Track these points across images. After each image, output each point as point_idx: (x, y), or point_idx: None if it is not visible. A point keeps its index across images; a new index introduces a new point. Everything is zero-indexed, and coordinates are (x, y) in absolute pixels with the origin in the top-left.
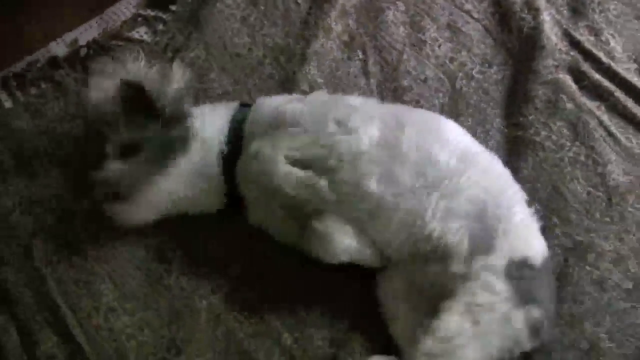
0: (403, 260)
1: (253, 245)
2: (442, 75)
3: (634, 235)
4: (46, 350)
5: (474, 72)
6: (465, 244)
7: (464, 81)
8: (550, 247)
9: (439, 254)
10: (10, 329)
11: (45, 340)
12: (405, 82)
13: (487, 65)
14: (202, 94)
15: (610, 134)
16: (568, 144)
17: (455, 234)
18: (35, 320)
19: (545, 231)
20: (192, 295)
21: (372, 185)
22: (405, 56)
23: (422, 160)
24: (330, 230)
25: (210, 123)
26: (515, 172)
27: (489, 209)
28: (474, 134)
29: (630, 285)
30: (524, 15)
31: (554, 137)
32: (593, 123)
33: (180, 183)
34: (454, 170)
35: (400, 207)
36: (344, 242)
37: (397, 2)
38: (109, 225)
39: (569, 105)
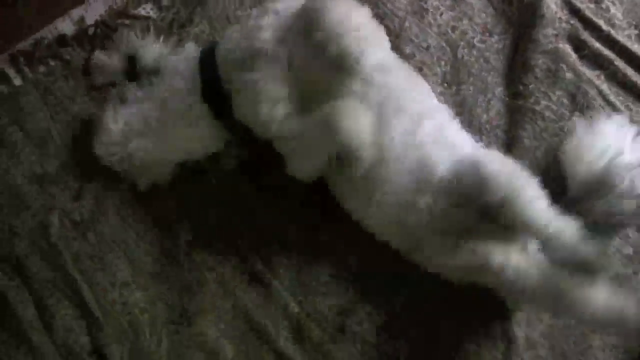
0: None
1: (258, 217)
2: (444, 44)
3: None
4: (64, 323)
5: (475, 40)
6: None
7: (465, 50)
8: None
9: None
10: (28, 303)
11: (62, 313)
12: (407, 50)
13: (488, 34)
14: None
15: (609, 102)
16: (567, 113)
17: None
18: (52, 293)
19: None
20: (201, 267)
21: None
22: (407, 24)
23: None
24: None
25: (181, 60)
26: (516, 141)
27: None
28: (476, 103)
29: (630, 251)
30: None
31: (553, 106)
32: (592, 92)
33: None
34: None
35: None
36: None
37: None
38: (121, 203)
39: (569, 75)
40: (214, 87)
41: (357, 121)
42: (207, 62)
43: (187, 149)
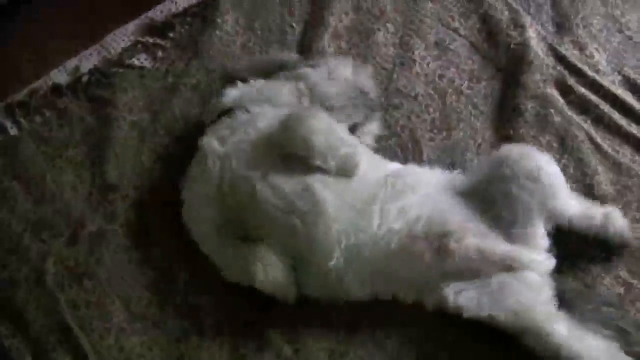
0: None
1: None
2: (431, 92)
3: None
4: None
5: (463, 87)
6: None
7: (453, 96)
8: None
9: None
10: (25, 351)
11: None
12: (396, 100)
13: (475, 80)
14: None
15: (597, 146)
16: (557, 156)
17: None
18: (48, 341)
19: None
20: (198, 313)
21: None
22: (395, 75)
23: None
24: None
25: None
26: None
27: None
28: (467, 147)
29: (621, 291)
30: (510, 32)
31: (543, 150)
32: (581, 136)
33: None
34: None
35: None
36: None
37: (387, 24)
38: (116, 247)
39: (557, 119)
40: None
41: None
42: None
43: None
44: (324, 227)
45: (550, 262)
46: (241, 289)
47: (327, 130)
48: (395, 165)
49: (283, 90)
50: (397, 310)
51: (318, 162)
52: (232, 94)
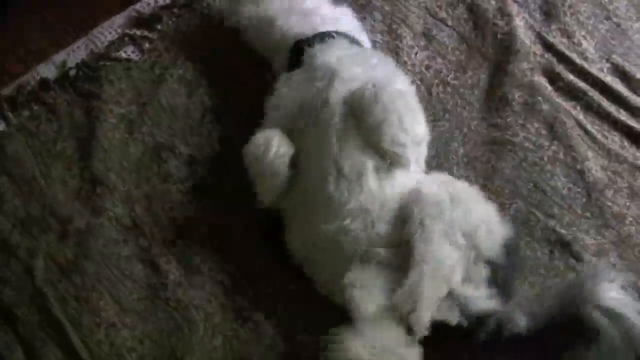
0: None
1: (245, 254)
2: (418, 82)
3: (613, 229)
4: None
5: (449, 78)
6: None
7: (440, 87)
8: (534, 241)
9: None
10: (15, 347)
11: (50, 356)
12: None
13: (462, 70)
14: (192, 107)
15: (586, 131)
16: (547, 143)
17: None
18: (39, 337)
19: (529, 227)
20: (188, 306)
21: None
22: None
23: None
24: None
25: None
26: (496, 172)
27: None
28: (452, 137)
29: None
30: (497, 21)
31: (532, 137)
32: (570, 122)
33: None
34: None
35: None
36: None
37: (374, 12)
38: (105, 242)
39: (546, 107)
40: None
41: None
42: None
43: None
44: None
45: None
46: (232, 281)
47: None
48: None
49: None
50: None
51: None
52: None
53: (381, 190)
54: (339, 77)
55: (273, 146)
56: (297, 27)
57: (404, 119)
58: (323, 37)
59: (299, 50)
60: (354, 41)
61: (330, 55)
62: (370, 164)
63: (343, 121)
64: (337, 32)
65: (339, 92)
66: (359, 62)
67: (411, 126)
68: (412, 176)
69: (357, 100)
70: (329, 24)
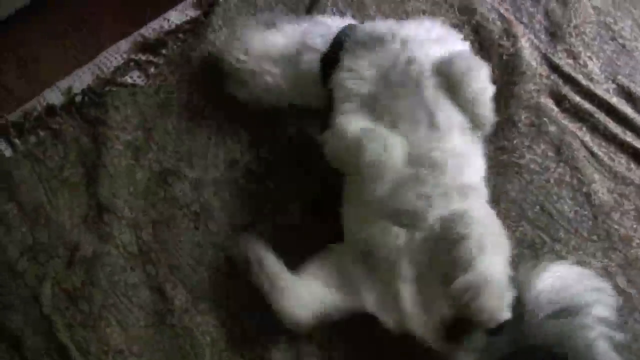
0: None
1: (248, 284)
2: None
3: (620, 251)
4: None
5: None
6: None
7: None
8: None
9: None
10: None
11: None
12: None
13: None
14: (197, 131)
15: (593, 154)
16: (553, 165)
17: None
18: None
19: (535, 249)
20: (195, 332)
21: None
22: None
23: None
24: None
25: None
26: (503, 194)
27: None
28: None
29: (620, 301)
30: (502, 42)
31: (538, 159)
32: (576, 144)
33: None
34: None
35: None
36: None
37: None
38: (112, 268)
39: (552, 128)
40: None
41: None
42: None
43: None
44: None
45: None
46: (240, 308)
47: None
48: None
49: None
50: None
51: None
52: None
53: (463, 147)
54: (410, 38)
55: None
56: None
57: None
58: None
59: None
60: None
61: (378, 26)
62: (458, 120)
63: (434, 77)
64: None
65: (419, 51)
66: (411, 27)
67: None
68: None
69: (454, 69)
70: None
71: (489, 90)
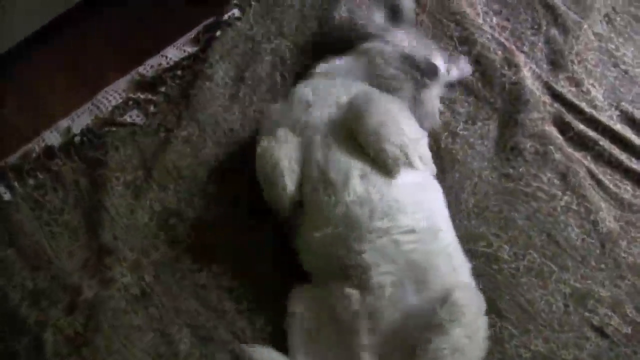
0: None
1: (257, 320)
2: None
3: (629, 280)
4: None
5: (458, 129)
6: None
7: (449, 139)
8: (548, 294)
9: None
10: None
11: None
12: None
13: (470, 122)
14: (197, 168)
15: (598, 182)
16: (559, 193)
17: None
18: None
19: (544, 278)
20: None
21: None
22: None
23: None
24: None
25: None
26: (510, 223)
27: None
28: (462, 188)
29: (629, 330)
30: (504, 72)
31: (545, 187)
32: (582, 172)
33: None
34: None
35: None
36: None
37: None
38: (113, 312)
39: (558, 156)
40: None
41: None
42: None
43: None
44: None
45: None
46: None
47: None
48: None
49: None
50: None
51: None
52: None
53: (368, 195)
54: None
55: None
56: None
57: (399, 120)
58: None
59: None
60: None
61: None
62: (355, 170)
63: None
64: None
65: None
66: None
67: (407, 127)
68: (420, 173)
69: (353, 106)
70: None
71: (387, 123)
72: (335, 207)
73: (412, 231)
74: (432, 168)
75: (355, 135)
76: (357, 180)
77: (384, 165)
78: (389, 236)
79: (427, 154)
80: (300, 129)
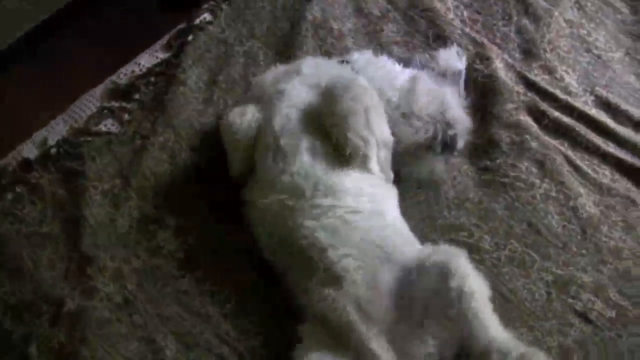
0: None
1: (244, 325)
2: None
3: (611, 264)
4: None
5: None
6: None
7: None
8: (530, 283)
9: None
10: None
11: None
12: None
13: None
14: (175, 173)
15: (576, 168)
16: (538, 181)
17: None
18: None
19: (526, 267)
20: None
21: None
22: None
23: None
24: None
25: None
26: (490, 213)
27: None
28: (442, 181)
29: (613, 314)
30: (477, 66)
31: (523, 176)
32: (559, 159)
33: None
34: None
35: None
36: None
37: None
38: (97, 322)
39: (534, 145)
40: None
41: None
42: None
43: None
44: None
45: None
46: (231, 353)
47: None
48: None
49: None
50: None
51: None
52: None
53: (313, 170)
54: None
55: (248, 113)
56: None
57: (370, 114)
58: None
59: None
60: None
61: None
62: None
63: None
64: None
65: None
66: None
67: (377, 124)
68: (371, 180)
69: (329, 89)
70: None
71: (357, 112)
72: (282, 174)
73: (357, 211)
74: (389, 176)
75: (323, 117)
76: (305, 153)
77: (342, 152)
78: (334, 215)
79: (387, 160)
80: (274, 100)
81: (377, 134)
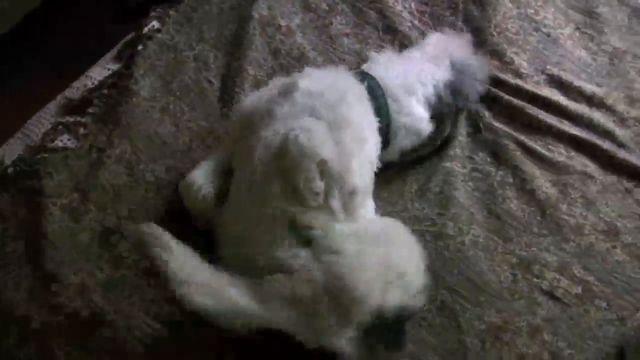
0: None
1: (205, 335)
2: None
3: (573, 241)
4: None
5: None
6: None
7: None
8: (495, 265)
9: None
10: None
11: None
12: None
13: None
14: (134, 185)
15: (530, 150)
16: (493, 170)
17: None
18: None
19: (490, 251)
20: None
21: None
22: None
23: None
24: None
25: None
26: (452, 201)
27: None
28: (405, 173)
29: (579, 290)
30: None
31: (479, 167)
32: (512, 145)
33: None
34: None
35: None
36: None
37: (305, 66)
38: (67, 341)
39: (487, 134)
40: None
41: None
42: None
43: None
44: None
45: None
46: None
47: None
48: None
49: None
50: None
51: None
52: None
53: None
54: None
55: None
56: None
57: (326, 166)
58: None
59: None
60: None
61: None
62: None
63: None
64: None
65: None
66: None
67: (337, 174)
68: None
69: (282, 141)
70: None
71: (303, 166)
72: (252, 206)
73: None
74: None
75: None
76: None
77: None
78: None
79: (358, 206)
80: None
81: (340, 181)
